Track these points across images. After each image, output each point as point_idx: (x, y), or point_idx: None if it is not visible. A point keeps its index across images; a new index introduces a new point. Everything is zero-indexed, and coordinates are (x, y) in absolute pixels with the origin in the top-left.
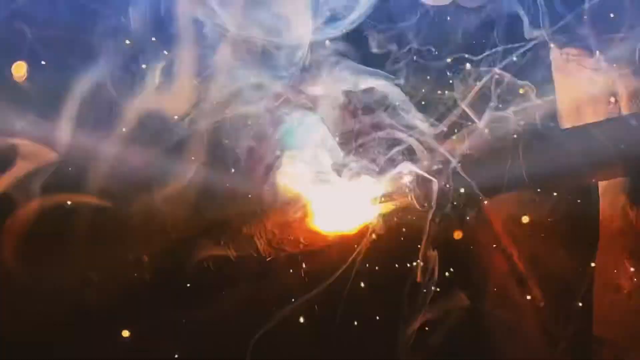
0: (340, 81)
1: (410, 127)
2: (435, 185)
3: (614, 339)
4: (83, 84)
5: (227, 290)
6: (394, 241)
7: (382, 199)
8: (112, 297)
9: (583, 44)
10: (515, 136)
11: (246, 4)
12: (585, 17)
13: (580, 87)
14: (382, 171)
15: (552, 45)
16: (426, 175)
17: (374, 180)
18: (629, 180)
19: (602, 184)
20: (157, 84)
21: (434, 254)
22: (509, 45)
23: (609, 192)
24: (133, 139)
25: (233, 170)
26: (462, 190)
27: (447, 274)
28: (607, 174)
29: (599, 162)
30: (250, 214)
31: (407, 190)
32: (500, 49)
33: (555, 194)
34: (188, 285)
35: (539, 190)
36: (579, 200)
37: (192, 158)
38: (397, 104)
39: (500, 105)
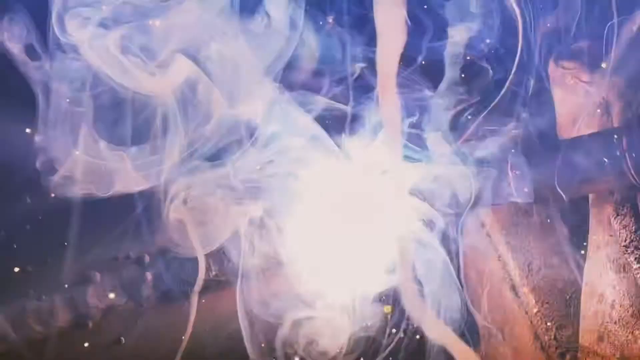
0: None
1: None
2: None
3: (598, 349)
4: None
5: None
6: None
7: None
8: None
9: (579, 58)
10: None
11: None
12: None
13: (575, 100)
14: None
15: (550, 59)
16: None
17: None
18: (614, 192)
19: (591, 195)
20: None
21: None
22: None
23: (596, 202)
24: None
25: None
26: None
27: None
28: (597, 186)
29: (590, 174)
30: None
31: None
32: None
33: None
34: None
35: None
36: (571, 210)
37: None
38: None
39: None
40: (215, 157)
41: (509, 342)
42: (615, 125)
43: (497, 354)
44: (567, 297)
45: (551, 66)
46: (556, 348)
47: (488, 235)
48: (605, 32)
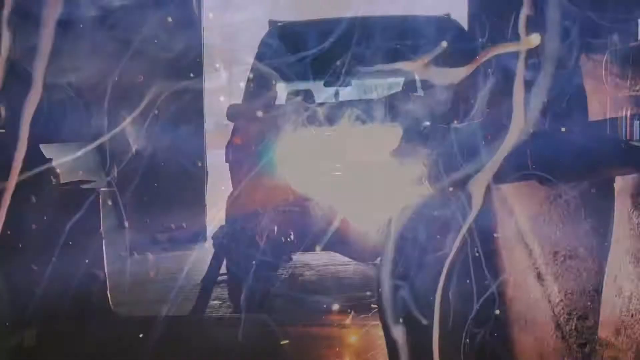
0: None
1: None
2: None
3: (615, 342)
4: None
5: None
6: None
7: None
8: None
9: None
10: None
11: None
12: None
13: (607, 92)
14: None
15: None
16: None
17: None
18: (636, 182)
19: (617, 185)
20: None
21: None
22: None
23: (619, 194)
24: None
25: None
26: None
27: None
28: (620, 170)
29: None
30: None
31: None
32: None
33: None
34: None
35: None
36: (598, 199)
37: None
38: None
39: None
40: None
41: (531, 330)
42: None
43: (517, 341)
44: (590, 288)
45: (583, 58)
46: (576, 338)
47: (515, 223)
48: None
